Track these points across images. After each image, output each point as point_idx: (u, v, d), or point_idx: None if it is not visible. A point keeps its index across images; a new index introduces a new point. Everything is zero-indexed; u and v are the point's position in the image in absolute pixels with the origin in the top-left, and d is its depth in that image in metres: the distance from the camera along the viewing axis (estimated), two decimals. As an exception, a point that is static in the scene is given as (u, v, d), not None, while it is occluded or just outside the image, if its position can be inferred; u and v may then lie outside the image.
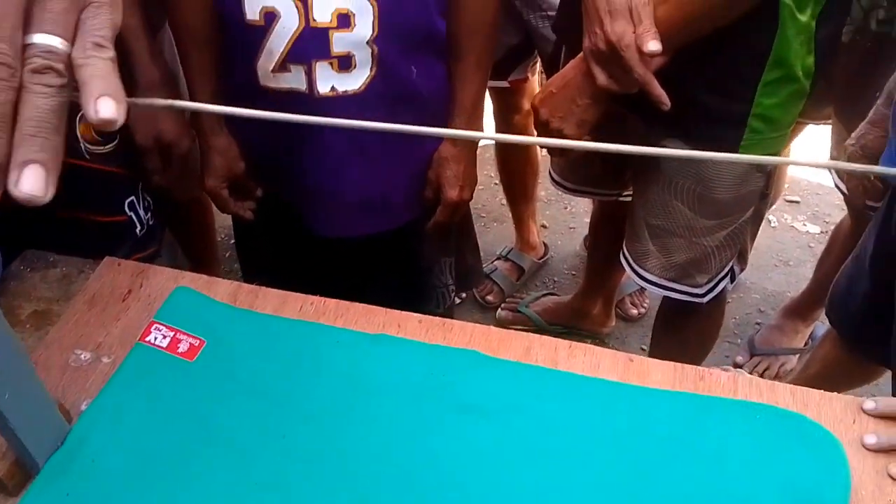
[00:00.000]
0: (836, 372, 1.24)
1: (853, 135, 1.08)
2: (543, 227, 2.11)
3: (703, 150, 1.01)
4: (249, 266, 1.30)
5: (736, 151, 0.97)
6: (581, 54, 0.91)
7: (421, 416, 0.69)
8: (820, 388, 0.72)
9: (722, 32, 0.85)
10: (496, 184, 2.11)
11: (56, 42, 0.34)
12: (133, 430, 0.66)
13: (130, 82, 0.97)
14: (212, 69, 0.98)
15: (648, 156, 1.05)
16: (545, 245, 2.02)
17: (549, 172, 1.40)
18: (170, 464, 0.64)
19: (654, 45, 0.82)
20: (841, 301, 1.15)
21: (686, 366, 0.74)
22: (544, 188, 2.11)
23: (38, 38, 0.34)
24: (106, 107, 0.34)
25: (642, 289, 1.86)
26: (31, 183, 0.33)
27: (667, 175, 1.05)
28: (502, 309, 1.87)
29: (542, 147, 1.77)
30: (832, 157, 1.39)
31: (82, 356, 0.73)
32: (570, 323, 1.81)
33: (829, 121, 1.38)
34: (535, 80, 1.64)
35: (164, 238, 1.11)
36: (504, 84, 1.54)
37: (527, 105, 1.64)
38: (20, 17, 0.33)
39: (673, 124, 0.97)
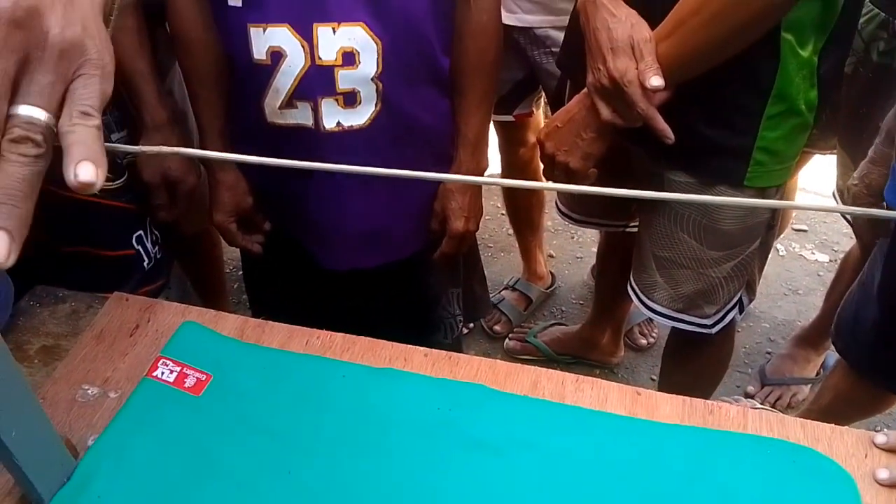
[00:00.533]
0: (848, 402, 1.23)
1: (855, 174, 1.09)
2: (550, 256, 2.11)
3: (708, 182, 1.02)
4: (258, 299, 1.30)
5: (741, 183, 0.97)
6: (585, 89, 0.92)
7: (427, 450, 0.68)
8: (834, 419, 0.71)
9: (724, 67, 0.86)
10: (503, 214, 2.12)
11: (38, 114, 0.35)
12: (139, 465, 0.66)
13: (139, 123, 0.98)
14: (220, 108, 0.99)
15: (654, 187, 1.06)
16: (552, 275, 2.01)
17: (556, 203, 1.40)
18: (176, 499, 0.64)
19: (656, 81, 0.83)
20: (847, 329, 1.14)
21: (695, 399, 0.73)
22: (551, 218, 2.11)
23: (22, 110, 0.35)
24: (85, 171, 0.35)
25: (651, 318, 1.85)
26: None
27: (672, 207, 1.05)
28: (510, 339, 1.87)
29: (552, 190, 1.78)
30: (837, 187, 1.39)
31: (90, 391, 0.73)
32: (579, 353, 1.80)
33: (835, 151, 1.38)
34: (540, 114, 1.65)
35: (173, 271, 1.12)
36: (509, 118, 1.56)
37: (532, 138, 1.66)
38: (6, 88, 0.34)
39: (677, 157, 0.98)
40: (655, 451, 0.68)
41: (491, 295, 1.80)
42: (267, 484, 0.65)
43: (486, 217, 1.85)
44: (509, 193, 1.83)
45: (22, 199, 0.35)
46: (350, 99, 0.90)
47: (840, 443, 0.69)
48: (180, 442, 0.68)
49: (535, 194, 1.80)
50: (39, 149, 0.35)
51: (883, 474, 0.65)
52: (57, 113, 0.36)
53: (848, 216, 1.29)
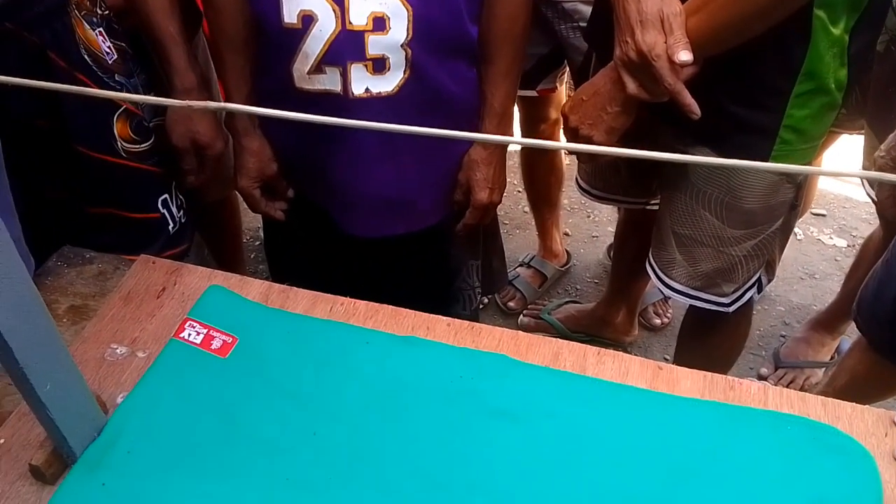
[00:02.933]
0: (864, 383, 1.23)
1: (883, 146, 1.07)
2: (566, 235, 2.11)
3: (732, 158, 1.01)
4: (278, 266, 1.31)
5: (766, 161, 0.97)
6: (612, 63, 0.91)
7: (449, 418, 0.69)
8: (849, 400, 0.71)
9: (753, 44, 0.85)
10: (519, 191, 2.11)
11: None
12: (167, 423, 0.67)
13: (168, 87, 0.99)
14: (247, 72, 0.99)
15: (676, 164, 1.05)
16: (568, 253, 2.01)
17: (577, 179, 1.40)
18: (202, 457, 0.65)
19: (685, 56, 0.82)
20: (869, 306, 1.14)
21: (716, 375, 0.73)
22: (567, 196, 2.11)
23: None
24: None
25: (666, 298, 1.85)
26: None
27: (694, 184, 1.05)
28: (524, 315, 1.87)
29: (570, 153, 1.77)
30: (863, 168, 1.37)
31: (118, 350, 0.74)
32: (593, 331, 1.81)
33: (863, 131, 1.36)
34: (563, 91, 1.64)
35: (193, 238, 1.13)
36: (532, 93, 1.55)
37: (554, 115, 1.64)
38: None
39: (702, 133, 0.97)
40: (676, 424, 0.69)
41: (506, 271, 1.80)
42: (291, 445, 0.66)
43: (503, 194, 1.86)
44: (528, 170, 1.82)
45: None
46: (379, 65, 0.90)
47: (860, 421, 0.69)
48: (207, 402, 0.69)
49: (554, 171, 1.79)
50: None
51: (903, 453, 0.65)
52: None
53: (872, 196, 1.28)
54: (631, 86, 0.89)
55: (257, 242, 2.04)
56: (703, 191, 1.04)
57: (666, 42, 0.83)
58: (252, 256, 2.02)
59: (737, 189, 1.02)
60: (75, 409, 0.61)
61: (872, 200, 1.30)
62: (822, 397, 0.71)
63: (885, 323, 1.11)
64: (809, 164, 1.04)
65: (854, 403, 0.70)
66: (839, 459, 0.66)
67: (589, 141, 0.97)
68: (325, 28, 0.87)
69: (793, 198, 1.08)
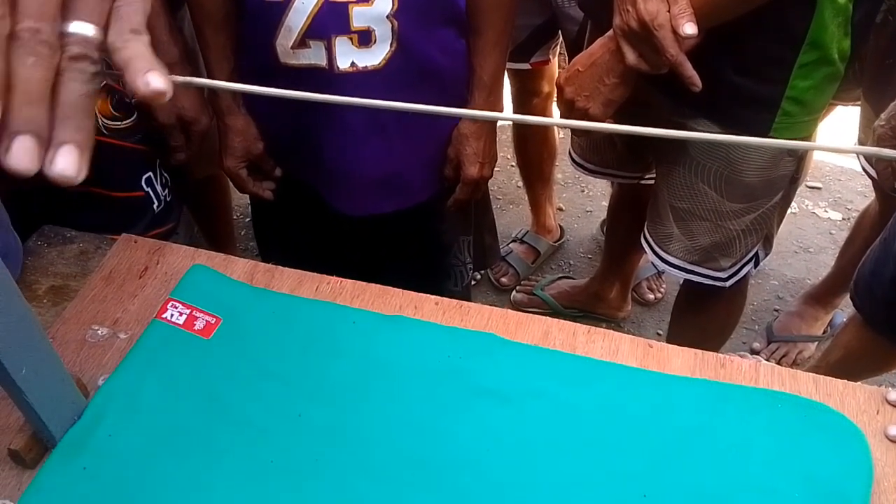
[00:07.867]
0: (858, 359, 1.23)
1: (882, 115, 1.05)
2: (560, 210, 2.10)
3: (733, 132, 1.00)
4: (266, 245, 1.30)
5: (767, 134, 0.95)
6: (610, 32, 0.88)
7: (437, 398, 0.68)
8: (842, 376, 0.71)
9: (757, 13, 0.83)
10: (512, 166, 2.09)
11: (90, 30, 0.36)
12: (149, 405, 0.66)
13: None
14: (229, 49, 0.97)
15: (677, 141, 1.03)
16: (561, 228, 2.00)
17: (570, 153, 1.38)
18: (185, 440, 0.64)
19: (689, 28, 0.79)
20: (866, 284, 1.14)
21: (706, 352, 0.73)
22: (561, 171, 2.09)
23: (74, 27, 0.35)
24: (156, 79, 0.36)
25: (659, 273, 1.85)
26: (66, 162, 0.35)
27: (693, 157, 1.03)
28: (517, 291, 1.87)
29: (564, 127, 1.75)
30: (859, 140, 1.36)
31: (99, 332, 0.73)
32: (586, 307, 1.80)
33: (859, 102, 1.35)
34: (555, 63, 1.62)
35: (182, 217, 1.11)
36: (525, 66, 1.52)
37: (547, 88, 1.62)
38: (59, 5, 0.35)
39: (702, 105, 0.95)
40: (666, 403, 0.68)
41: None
42: (277, 427, 0.65)
43: (496, 169, 1.83)
44: (520, 145, 1.81)
45: (87, 115, 0.35)
46: (364, 38, 0.87)
47: (852, 398, 0.68)
48: (190, 384, 0.68)
49: (547, 145, 1.77)
50: (96, 66, 0.36)
51: (894, 431, 0.65)
52: (104, 30, 0.36)
53: (868, 170, 1.27)
54: (630, 56, 0.86)
55: (247, 219, 2.02)
56: (702, 164, 1.03)
57: (669, 11, 0.80)
58: (243, 233, 2.01)
59: (737, 162, 1.00)
60: (54, 393, 0.60)
61: (867, 174, 1.29)
62: (814, 374, 0.71)
63: (881, 301, 1.10)
64: (809, 136, 1.03)
65: (846, 381, 0.70)
66: (830, 437, 0.65)
67: (585, 113, 0.95)
68: (307, 0, 0.84)
69: (793, 171, 1.07)
